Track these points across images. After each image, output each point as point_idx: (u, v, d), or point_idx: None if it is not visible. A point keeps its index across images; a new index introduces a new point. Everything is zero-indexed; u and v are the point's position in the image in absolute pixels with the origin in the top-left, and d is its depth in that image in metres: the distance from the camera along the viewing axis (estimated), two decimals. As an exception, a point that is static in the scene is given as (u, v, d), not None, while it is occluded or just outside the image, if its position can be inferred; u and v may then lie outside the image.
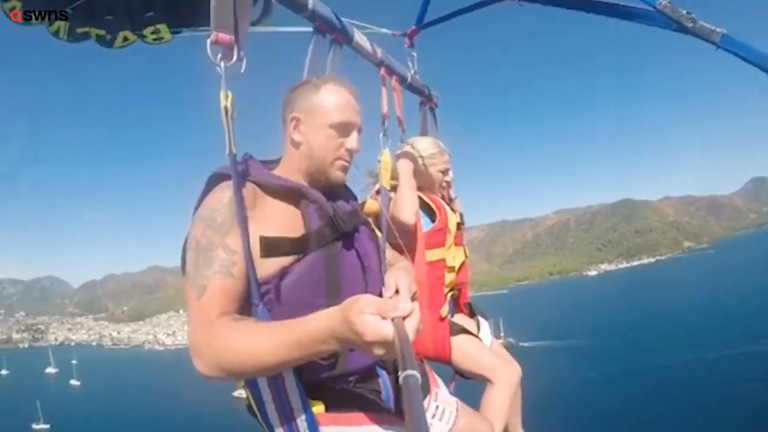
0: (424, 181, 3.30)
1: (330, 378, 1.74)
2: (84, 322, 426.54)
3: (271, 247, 1.65)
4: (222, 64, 1.68)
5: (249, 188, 1.68)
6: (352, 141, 1.90)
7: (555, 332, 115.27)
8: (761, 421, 44.63)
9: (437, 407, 2.14)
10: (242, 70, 1.78)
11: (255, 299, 1.59)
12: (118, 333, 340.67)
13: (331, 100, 1.84)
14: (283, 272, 1.65)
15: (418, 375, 1.07)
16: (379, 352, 1.26)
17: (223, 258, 1.55)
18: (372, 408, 1.77)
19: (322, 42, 2.52)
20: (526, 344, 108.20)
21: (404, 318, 1.26)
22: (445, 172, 3.47)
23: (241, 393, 1.86)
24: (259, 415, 1.74)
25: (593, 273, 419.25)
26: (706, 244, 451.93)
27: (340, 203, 1.92)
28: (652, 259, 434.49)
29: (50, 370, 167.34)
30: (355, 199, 2.13)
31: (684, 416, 51.92)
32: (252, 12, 1.93)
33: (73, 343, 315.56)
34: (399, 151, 3.23)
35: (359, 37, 2.83)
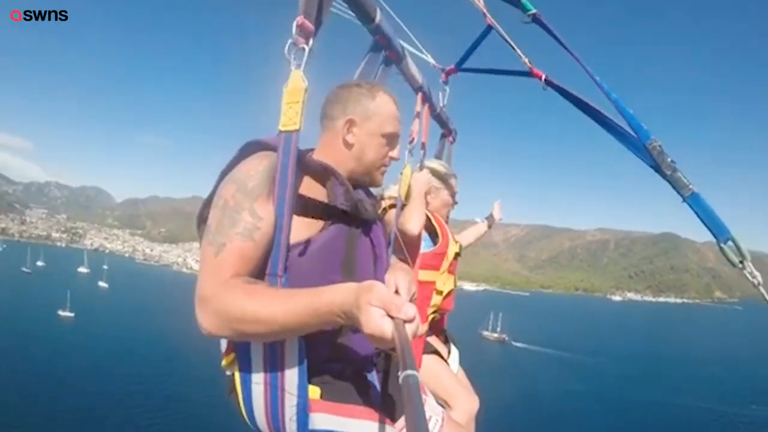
0: (435, 202, 3.54)
1: (330, 360, 1.75)
2: (120, 235, 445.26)
3: (305, 205, 1.69)
4: (305, 47, 1.68)
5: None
6: (396, 151, 2.00)
7: (555, 342, 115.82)
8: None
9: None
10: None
11: (279, 270, 1.57)
12: (151, 250, 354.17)
13: (385, 110, 1.91)
14: (306, 243, 1.66)
15: (418, 375, 1.08)
16: (375, 343, 1.30)
17: (248, 221, 1.55)
18: (365, 401, 1.76)
19: (376, 56, 2.63)
20: (518, 344, 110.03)
21: (406, 322, 1.28)
22: (453, 195, 3.69)
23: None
24: (241, 397, 1.69)
25: (617, 298, 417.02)
26: (736, 299, 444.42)
27: (363, 196, 1.93)
28: (678, 300, 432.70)
29: (82, 269, 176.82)
30: (374, 197, 2.15)
31: None
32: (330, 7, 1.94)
33: (107, 251, 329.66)
34: (415, 173, 3.14)
35: (408, 60, 2.94)
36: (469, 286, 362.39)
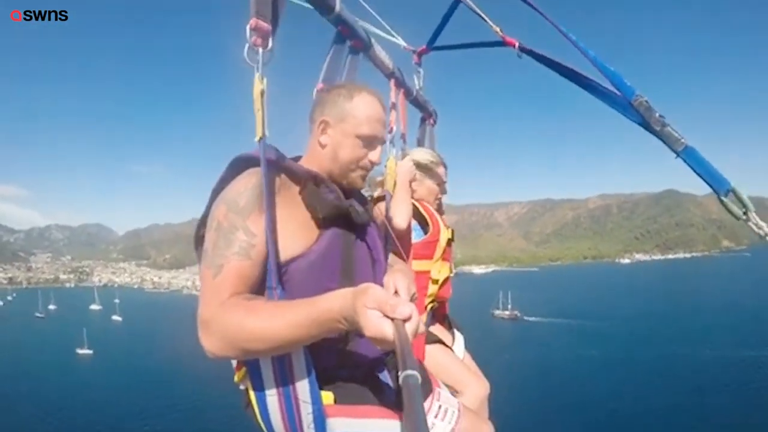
0: (421, 190, 3.46)
1: (339, 366, 1.76)
2: (127, 267, 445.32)
3: (298, 215, 1.72)
4: (260, 49, 1.67)
5: (277, 173, 1.72)
6: (376, 154, 1.93)
7: (567, 312, 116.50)
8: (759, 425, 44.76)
9: (440, 407, 2.13)
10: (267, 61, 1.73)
11: (273, 282, 1.58)
12: (159, 278, 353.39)
13: (362, 111, 1.86)
14: (303, 254, 1.67)
15: (418, 375, 1.09)
16: (378, 345, 1.32)
17: (243, 240, 1.56)
18: (379, 401, 1.76)
19: (341, 47, 2.59)
20: (531, 319, 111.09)
21: (404, 321, 1.29)
22: (440, 184, 3.59)
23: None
24: (258, 409, 1.70)
25: (626, 261, 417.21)
26: (744, 246, 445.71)
27: (353, 200, 1.93)
28: (687, 255, 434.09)
29: (94, 306, 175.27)
30: (366, 200, 2.16)
31: (681, 405, 52.01)
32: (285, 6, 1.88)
33: (116, 285, 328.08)
34: (399, 162, 3.15)
35: (376, 47, 2.89)
36: (478, 269, 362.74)
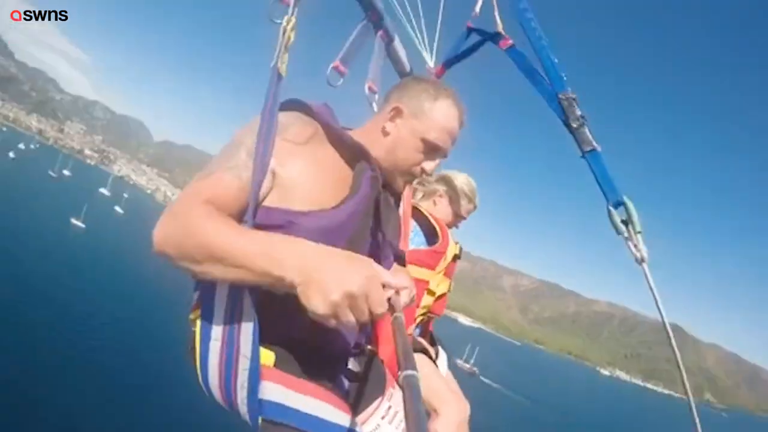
0: (439, 209, 3.43)
1: (296, 339, 1.62)
2: (148, 171, 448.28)
3: (325, 174, 1.62)
4: (291, 6, 1.63)
5: (311, 124, 1.65)
6: (431, 165, 1.83)
7: (524, 390, 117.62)
8: None
9: (389, 408, 1.91)
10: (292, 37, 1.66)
11: (248, 216, 1.46)
12: (172, 195, 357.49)
13: (439, 116, 1.76)
14: (312, 213, 1.54)
15: (419, 375, 1.05)
16: (319, 319, 1.23)
17: (241, 158, 1.49)
18: (329, 385, 1.63)
19: (365, 32, 2.48)
20: (486, 380, 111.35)
21: (399, 290, 1.27)
22: (460, 219, 3.54)
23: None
24: (198, 354, 1.55)
25: (606, 372, 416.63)
26: (725, 406, 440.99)
27: (388, 193, 1.87)
28: (666, 391, 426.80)
29: (103, 191, 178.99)
30: (399, 199, 2.11)
31: None
32: None
33: (131, 182, 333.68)
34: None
35: (398, 43, 2.81)
36: (464, 320, 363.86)
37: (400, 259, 2.16)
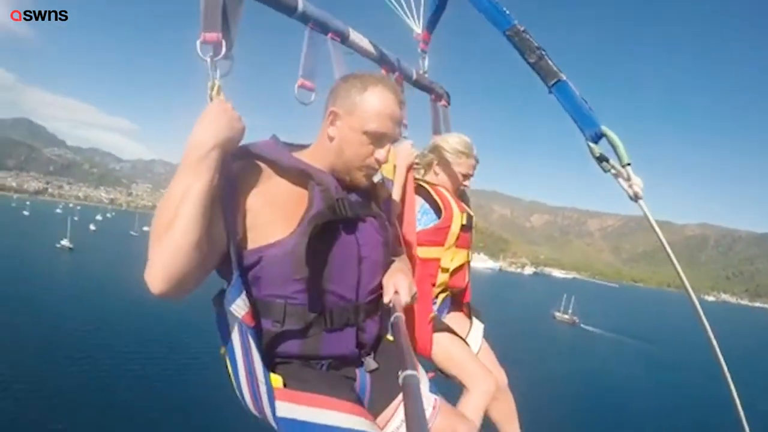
0: (441, 176, 3.36)
1: (299, 356, 1.77)
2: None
3: (277, 207, 1.69)
4: (208, 58, 1.72)
5: (258, 165, 1.71)
6: (383, 153, 1.82)
7: (630, 330, 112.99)
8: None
9: None
10: (229, 70, 1.80)
11: (234, 267, 1.61)
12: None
13: (373, 105, 1.75)
14: (273, 244, 1.66)
15: (419, 375, 1.09)
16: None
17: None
18: (337, 393, 1.73)
19: (316, 42, 2.50)
20: (589, 328, 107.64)
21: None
22: (465, 176, 3.40)
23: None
24: (234, 382, 1.80)
25: (711, 299, 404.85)
26: None
27: (353, 194, 1.90)
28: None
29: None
30: (371, 193, 2.05)
31: None
32: (242, 10, 1.92)
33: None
34: (396, 145, 2.76)
35: (354, 36, 2.79)
36: (558, 273, 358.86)
37: (396, 246, 2.20)
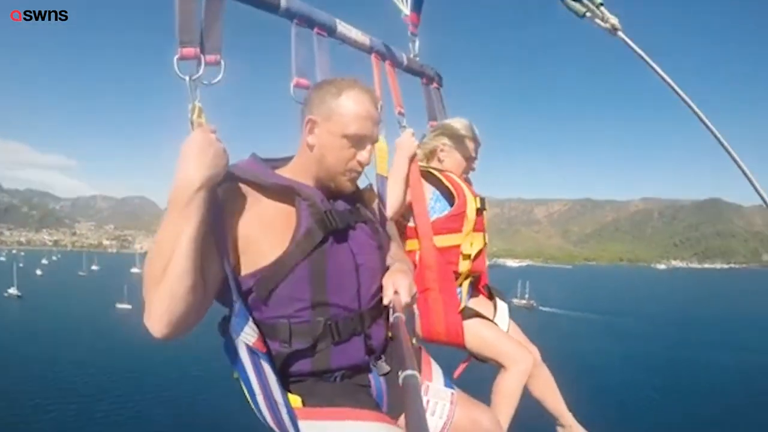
0: (447, 162, 3.31)
1: (312, 373, 1.77)
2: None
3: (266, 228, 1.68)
4: (187, 77, 1.66)
5: (241, 188, 1.69)
6: (365, 154, 1.83)
7: (582, 307, 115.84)
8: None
9: (428, 402, 2.04)
10: (219, 76, 1.75)
11: (234, 297, 1.62)
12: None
13: (350, 109, 1.76)
14: (269, 265, 1.66)
15: (419, 375, 1.08)
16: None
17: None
18: (355, 402, 1.75)
19: (303, 38, 2.44)
20: (546, 309, 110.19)
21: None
22: (469, 159, 3.37)
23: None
24: (252, 406, 1.81)
25: (662, 267, 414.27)
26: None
27: (340, 202, 1.90)
28: (725, 265, 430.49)
29: (135, 270, 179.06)
30: (360, 196, 2.07)
31: (694, 405, 50.07)
32: (223, 14, 1.83)
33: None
34: (402, 133, 3.02)
35: (342, 27, 2.74)
36: (512, 263, 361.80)
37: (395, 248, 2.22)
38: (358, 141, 1.80)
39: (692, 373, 64.14)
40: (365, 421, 1.71)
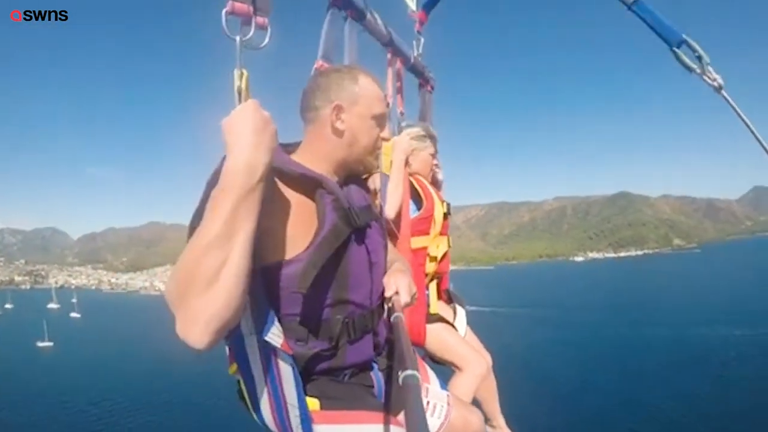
0: (416, 163, 3.33)
1: (327, 371, 1.74)
2: (83, 271, 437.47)
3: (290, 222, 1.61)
4: (237, 38, 1.57)
5: (272, 179, 1.58)
6: (387, 132, 1.90)
7: (508, 303, 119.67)
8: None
9: (428, 403, 2.11)
10: (266, 41, 1.69)
11: (259, 294, 1.54)
12: (116, 279, 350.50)
13: (372, 90, 1.82)
14: (292, 261, 1.59)
15: (418, 375, 1.09)
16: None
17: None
18: (365, 404, 1.76)
19: (335, 19, 2.42)
20: (472, 308, 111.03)
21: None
22: (433, 156, 3.47)
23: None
24: (250, 405, 1.72)
25: (580, 259, 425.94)
26: (695, 244, 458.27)
27: (356, 196, 1.86)
28: (639, 252, 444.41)
29: (52, 305, 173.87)
30: (368, 190, 2.03)
31: (629, 382, 54.87)
32: None
33: (73, 287, 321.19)
34: (393, 139, 3.07)
35: (372, 16, 2.72)
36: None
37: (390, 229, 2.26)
38: (381, 120, 1.87)
39: (615, 350, 68.88)
40: (380, 424, 1.71)
